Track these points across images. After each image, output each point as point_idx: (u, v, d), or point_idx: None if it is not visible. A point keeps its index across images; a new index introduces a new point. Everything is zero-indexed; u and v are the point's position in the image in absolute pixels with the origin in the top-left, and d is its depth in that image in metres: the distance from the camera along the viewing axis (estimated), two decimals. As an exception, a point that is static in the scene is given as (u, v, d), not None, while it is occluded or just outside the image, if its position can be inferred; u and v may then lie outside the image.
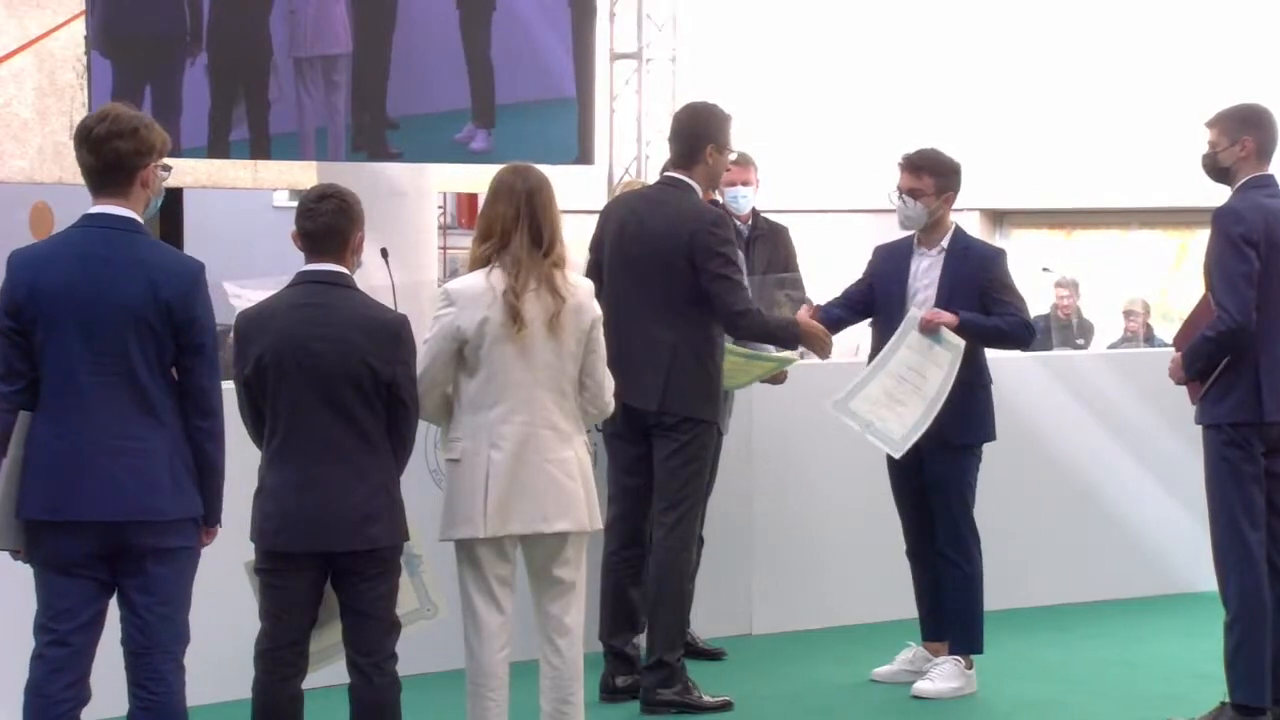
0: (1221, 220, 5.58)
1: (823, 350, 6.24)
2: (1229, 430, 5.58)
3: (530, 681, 5.12)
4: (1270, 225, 5.54)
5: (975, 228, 16.60)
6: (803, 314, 6.32)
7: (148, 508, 4.24)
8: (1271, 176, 5.69)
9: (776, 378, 6.68)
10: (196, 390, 4.32)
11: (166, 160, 4.43)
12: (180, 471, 4.30)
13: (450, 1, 8.68)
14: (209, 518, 4.40)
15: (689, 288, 5.86)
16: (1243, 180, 5.64)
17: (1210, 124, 5.71)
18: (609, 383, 5.09)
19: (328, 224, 4.66)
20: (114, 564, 4.28)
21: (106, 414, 4.23)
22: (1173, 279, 15.79)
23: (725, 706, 6.05)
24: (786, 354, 7.18)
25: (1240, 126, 5.65)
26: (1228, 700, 5.62)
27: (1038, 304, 12.93)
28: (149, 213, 4.42)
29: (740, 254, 6.19)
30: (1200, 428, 5.68)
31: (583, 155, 9.02)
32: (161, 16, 8.24)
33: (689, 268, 5.86)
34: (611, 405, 5.14)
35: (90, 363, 4.23)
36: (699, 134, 6.08)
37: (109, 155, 4.28)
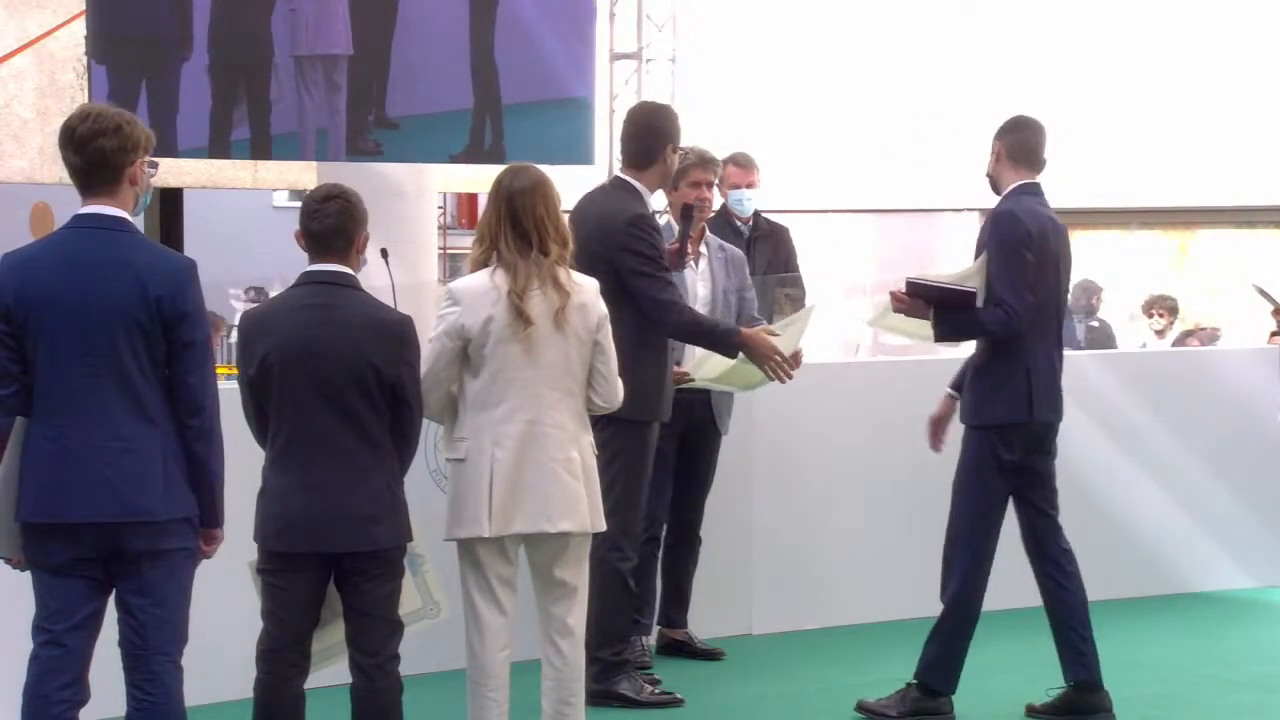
0: (1003, 224, 5.76)
1: (769, 366, 5.93)
2: (998, 431, 5.73)
3: (531, 680, 5.13)
4: (1044, 231, 5.78)
5: (976, 228, 16.62)
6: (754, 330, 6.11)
7: (140, 509, 4.22)
8: (1039, 184, 5.93)
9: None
10: (185, 387, 4.29)
11: (154, 158, 4.41)
12: (174, 472, 4.28)
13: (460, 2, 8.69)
14: (206, 520, 4.36)
15: (609, 291, 5.38)
16: (1012, 187, 5.89)
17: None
18: (619, 382, 5.11)
19: (333, 224, 4.66)
20: (108, 566, 4.27)
21: (98, 416, 4.22)
22: (1173, 279, 15.80)
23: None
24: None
25: (997, 134, 5.95)
26: (914, 681, 5.89)
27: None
28: (138, 210, 4.39)
29: (664, 251, 5.98)
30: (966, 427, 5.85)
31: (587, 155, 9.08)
32: (155, 17, 8.23)
33: (610, 270, 5.69)
34: (620, 401, 5.15)
35: (81, 365, 4.21)
36: (659, 132, 6.04)
37: (94, 154, 4.26)
